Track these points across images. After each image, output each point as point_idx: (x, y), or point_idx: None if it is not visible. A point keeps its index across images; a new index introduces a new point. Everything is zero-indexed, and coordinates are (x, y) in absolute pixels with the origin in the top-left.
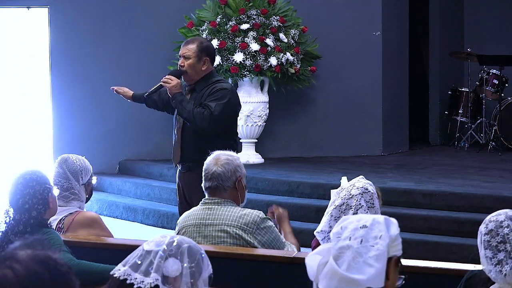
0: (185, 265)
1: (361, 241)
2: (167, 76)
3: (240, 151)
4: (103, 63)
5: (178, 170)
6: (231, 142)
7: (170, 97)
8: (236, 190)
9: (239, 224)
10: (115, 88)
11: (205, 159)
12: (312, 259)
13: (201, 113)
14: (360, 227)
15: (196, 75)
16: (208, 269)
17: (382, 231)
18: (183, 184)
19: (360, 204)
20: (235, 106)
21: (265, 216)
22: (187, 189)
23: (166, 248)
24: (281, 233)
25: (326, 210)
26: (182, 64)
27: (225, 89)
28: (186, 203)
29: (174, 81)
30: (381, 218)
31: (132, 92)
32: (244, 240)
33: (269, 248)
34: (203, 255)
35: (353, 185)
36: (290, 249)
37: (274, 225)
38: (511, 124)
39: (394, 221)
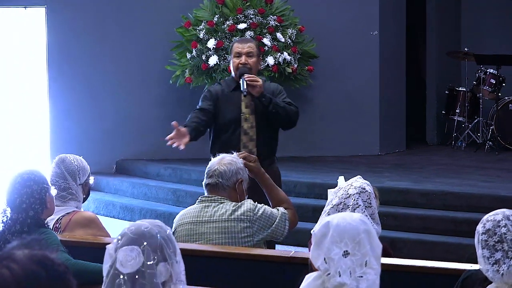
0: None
1: (350, 273)
2: (250, 75)
3: None
4: (100, 62)
5: None
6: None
7: (247, 94)
8: (235, 191)
9: (236, 217)
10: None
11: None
12: None
13: (292, 110)
14: (343, 255)
15: (255, 73)
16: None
17: (366, 254)
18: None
19: (357, 203)
20: None
21: (253, 202)
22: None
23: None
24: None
25: (324, 210)
26: (246, 61)
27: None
28: None
29: (259, 80)
30: (361, 235)
31: (188, 136)
32: (242, 231)
33: (268, 229)
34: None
35: (351, 185)
36: (281, 213)
37: (263, 204)
38: (508, 123)
39: (372, 231)
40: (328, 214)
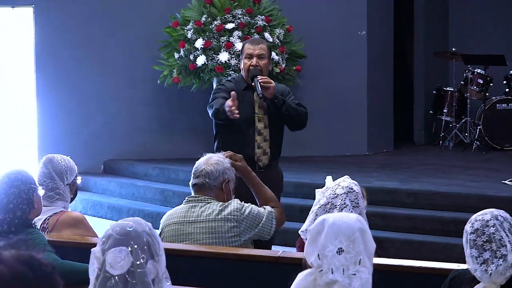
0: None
1: (343, 271)
2: (264, 77)
3: None
4: (88, 62)
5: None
6: None
7: (262, 95)
8: (222, 191)
9: (223, 217)
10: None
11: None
12: None
13: (302, 111)
14: (337, 253)
15: (266, 74)
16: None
17: (360, 252)
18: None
19: (345, 203)
20: None
21: (240, 201)
22: (273, 188)
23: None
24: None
25: (311, 209)
26: (257, 63)
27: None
28: None
29: (272, 82)
30: (356, 234)
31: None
32: (229, 231)
33: (255, 228)
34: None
35: (338, 185)
36: (268, 212)
37: (250, 204)
38: (495, 123)
39: (367, 230)
40: (316, 214)
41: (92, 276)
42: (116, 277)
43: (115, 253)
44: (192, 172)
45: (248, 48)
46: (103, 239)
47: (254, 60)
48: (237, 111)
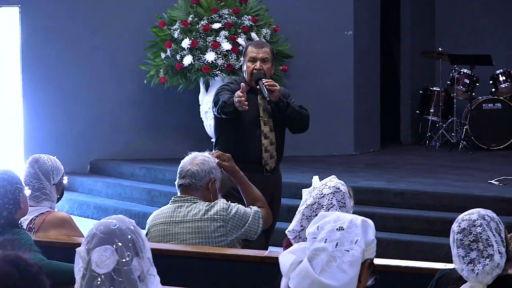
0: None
1: (337, 244)
2: (268, 80)
3: None
4: (74, 62)
5: (251, 173)
6: None
7: (270, 99)
8: (208, 191)
9: (209, 216)
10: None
11: None
12: (286, 257)
13: (305, 113)
14: (337, 229)
15: (269, 78)
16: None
17: (359, 235)
18: (264, 188)
19: (331, 203)
20: None
21: (226, 201)
22: (276, 191)
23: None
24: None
25: (298, 209)
26: (261, 67)
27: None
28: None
29: (277, 85)
30: (358, 220)
31: None
32: (215, 231)
33: (241, 228)
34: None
35: (325, 185)
36: (255, 212)
37: (236, 203)
38: (482, 123)
39: (371, 223)
40: (303, 214)
41: (78, 276)
42: (103, 276)
43: (101, 252)
44: (178, 172)
45: (252, 52)
46: (88, 239)
47: (257, 64)
48: (246, 103)
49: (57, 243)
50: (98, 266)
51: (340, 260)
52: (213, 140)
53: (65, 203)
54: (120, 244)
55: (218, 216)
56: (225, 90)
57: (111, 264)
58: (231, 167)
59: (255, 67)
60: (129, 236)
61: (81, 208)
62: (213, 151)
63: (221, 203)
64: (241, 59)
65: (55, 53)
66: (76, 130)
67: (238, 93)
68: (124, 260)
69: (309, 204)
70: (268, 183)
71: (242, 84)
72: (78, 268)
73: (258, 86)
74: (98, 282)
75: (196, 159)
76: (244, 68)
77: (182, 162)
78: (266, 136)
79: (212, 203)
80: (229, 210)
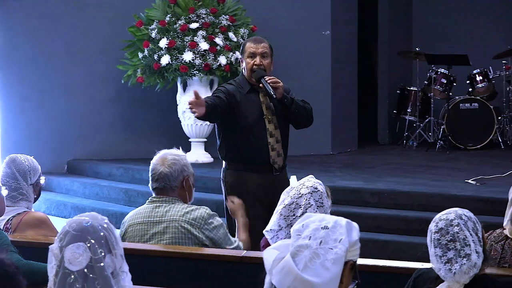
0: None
1: (321, 242)
2: (271, 77)
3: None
4: (51, 61)
5: (260, 174)
6: None
7: (276, 96)
8: (183, 189)
9: (187, 219)
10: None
11: None
12: (270, 254)
13: (309, 108)
14: (322, 228)
15: (269, 74)
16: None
17: (343, 234)
18: (273, 188)
19: (309, 203)
20: None
21: (212, 212)
22: (278, 191)
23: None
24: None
25: (276, 209)
26: (260, 62)
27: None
28: (264, 209)
29: (280, 81)
30: (343, 221)
31: (205, 108)
32: (192, 234)
33: (217, 244)
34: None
35: (303, 184)
36: (237, 246)
37: (222, 222)
38: (459, 123)
39: (355, 226)
40: (281, 214)
41: (51, 274)
42: (76, 273)
43: (73, 249)
44: (150, 174)
45: (250, 47)
46: (61, 236)
47: (257, 59)
48: (195, 109)
49: (34, 243)
50: (71, 263)
51: (324, 258)
52: (218, 143)
53: (42, 203)
54: (92, 241)
55: (196, 223)
56: (219, 92)
57: (84, 261)
58: (237, 207)
59: (255, 63)
60: (102, 233)
61: (58, 208)
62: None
63: (202, 210)
64: (219, 58)
65: (32, 52)
66: (53, 130)
67: (190, 99)
68: (97, 257)
69: (287, 204)
70: (276, 184)
71: (194, 90)
72: (52, 266)
73: (260, 84)
74: (72, 279)
75: (167, 160)
76: (243, 65)
77: (153, 163)
78: (271, 135)
79: (193, 207)
80: (209, 221)
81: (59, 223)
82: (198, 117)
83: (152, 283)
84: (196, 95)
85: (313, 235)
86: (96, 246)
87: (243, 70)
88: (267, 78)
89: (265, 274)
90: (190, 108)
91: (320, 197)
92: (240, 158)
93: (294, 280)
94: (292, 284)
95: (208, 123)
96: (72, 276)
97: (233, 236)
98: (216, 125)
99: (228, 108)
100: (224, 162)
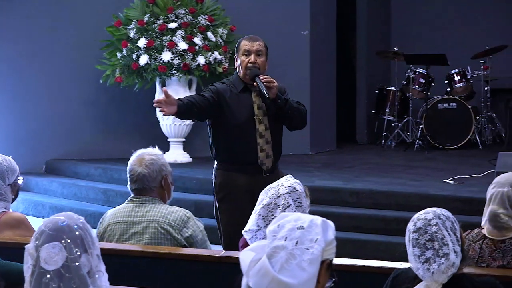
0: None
1: (297, 243)
2: (265, 76)
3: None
4: (29, 61)
5: (248, 175)
6: None
7: (269, 96)
8: (162, 188)
9: (167, 221)
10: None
11: None
12: (246, 255)
13: (303, 109)
14: (297, 228)
15: (263, 73)
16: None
17: (319, 234)
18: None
19: (288, 203)
20: None
21: (192, 216)
22: None
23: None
24: None
25: (254, 209)
26: (255, 60)
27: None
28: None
29: (275, 81)
30: (319, 220)
31: (176, 107)
32: (171, 236)
33: (195, 245)
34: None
35: (281, 184)
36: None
37: (201, 226)
38: (437, 123)
39: (331, 224)
40: (259, 214)
41: (27, 274)
42: (51, 272)
43: (49, 249)
44: (128, 175)
45: (245, 45)
46: (36, 236)
47: (252, 57)
48: (162, 110)
49: (12, 243)
50: (47, 263)
51: (300, 258)
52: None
53: (20, 204)
54: (68, 240)
55: (175, 225)
56: (208, 91)
57: (60, 261)
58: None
59: (250, 61)
60: (77, 233)
61: (36, 208)
62: None
63: (182, 213)
64: (197, 58)
65: (10, 51)
66: (31, 129)
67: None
68: (72, 256)
69: (265, 204)
70: (266, 185)
71: (164, 88)
72: (28, 266)
73: (254, 83)
74: (47, 279)
75: (145, 160)
76: (238, 63)
77: (130, 164)
78: (261, 135)
79: (173, 208)
80: (188, 224)
81: (37, 223)
82: (175, 115)
83: (130, 283)
84: (166, 93)
85: (289, 236)
86: (72, 245)
87: (237, 68)
88: (261, 77)
89: (241, 275)
90: (157, 106)
91: (299, 197)
92: (229, 158)
93: (271, 282)
94: (269, 286)
95: (186, 123)
96: (48, 276)
97: (220, 238)
98: (208, 125)
99: (214, 107)
100: (215, 162)
